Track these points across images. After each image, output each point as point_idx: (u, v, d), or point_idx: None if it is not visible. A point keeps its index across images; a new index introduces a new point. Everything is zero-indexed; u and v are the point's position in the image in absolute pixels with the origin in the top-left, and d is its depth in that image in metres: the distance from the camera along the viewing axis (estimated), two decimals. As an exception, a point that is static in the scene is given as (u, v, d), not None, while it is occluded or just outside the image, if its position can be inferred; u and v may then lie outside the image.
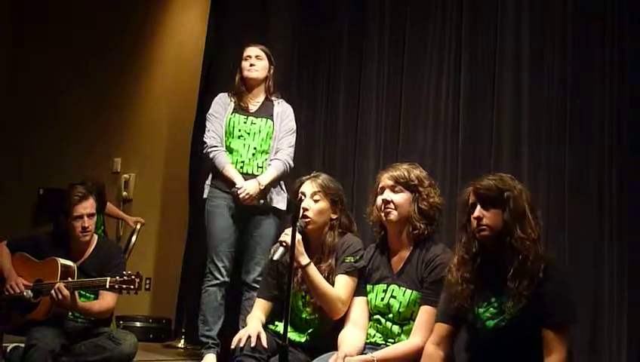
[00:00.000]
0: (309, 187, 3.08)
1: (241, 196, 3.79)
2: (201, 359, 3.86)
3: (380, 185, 2.93)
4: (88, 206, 3.51)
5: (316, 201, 3.05)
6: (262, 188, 3.82)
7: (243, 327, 3.36)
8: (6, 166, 6.49)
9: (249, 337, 2.83)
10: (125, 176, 5.94)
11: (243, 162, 3.91)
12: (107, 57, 6.16)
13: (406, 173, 2.89)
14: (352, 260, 2.96)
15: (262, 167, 3.92)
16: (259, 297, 3.14)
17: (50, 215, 3.65)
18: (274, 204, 3.92)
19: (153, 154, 5.85)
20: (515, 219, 2.47)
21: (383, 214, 2.88)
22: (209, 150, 3.94)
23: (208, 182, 3.98)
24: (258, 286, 3.71)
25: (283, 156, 3.93)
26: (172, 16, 5.96)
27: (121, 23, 6.17)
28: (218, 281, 3.88)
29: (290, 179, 4.02)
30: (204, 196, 3.99)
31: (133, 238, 4.93)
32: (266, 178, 3.85)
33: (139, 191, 5.88)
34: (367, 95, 4.37)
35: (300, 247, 2.90)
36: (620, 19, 3.50)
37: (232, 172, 3.87)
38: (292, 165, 3.98)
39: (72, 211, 3.48)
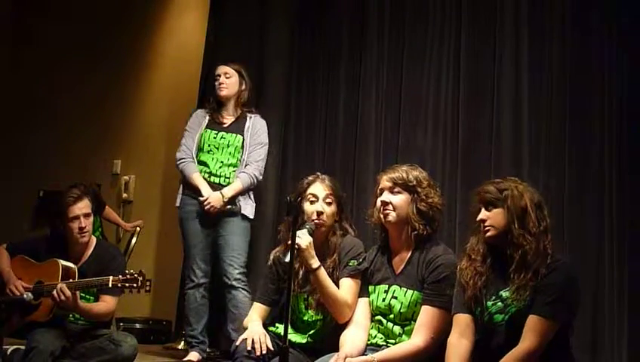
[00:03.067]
0: (320, 189, 3.07)
1: (205, 208, 3.96)
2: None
3: (380, 187, 2.93)
4: (83, 206, 3.49)
5: (329, 204, 3.06)
6: (225, 200, 3.96)
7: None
8: (6, 167, 6.47)
9: (253, 342, 2.81)
10: (125, 177, 5.92)
11: (210, 172, 4.09)
12: (106, 60, 6.14)
13: (404, 175, 2.89)
14: (356, 263, 2.96)
15: (229, 178, 4.07)
16: (257, 301, 3.12)
17: (48, 218, 3.63)
18: (242, 211, 4.05)
19: (153, 156, 5.83)
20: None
21: (382, 216, 2.89)
22: (177, 162, 4.17)
23: (180, 191, 4.18)
24: (237, 285, 3.94)
25: (250, 170, 4.05)
26: (171, 19, 5.94)
27: (120, 24, 6.15)
28: (194, 283, 4.07)
29: (289, 180, 4.03)
30: (177, 204, 4.19)
31: (133, 240, 4.94)
32: (230, 190, 4.00)
33: (139, 193, 5.86)
34: (367, 95, 4.36)
35: (311, 250, 2.90)
36: (620, 19, 3.50)
37: (198, 180, 4.04)
38: (259, 178, 4.11)
39: (68, 213, 3.47)
